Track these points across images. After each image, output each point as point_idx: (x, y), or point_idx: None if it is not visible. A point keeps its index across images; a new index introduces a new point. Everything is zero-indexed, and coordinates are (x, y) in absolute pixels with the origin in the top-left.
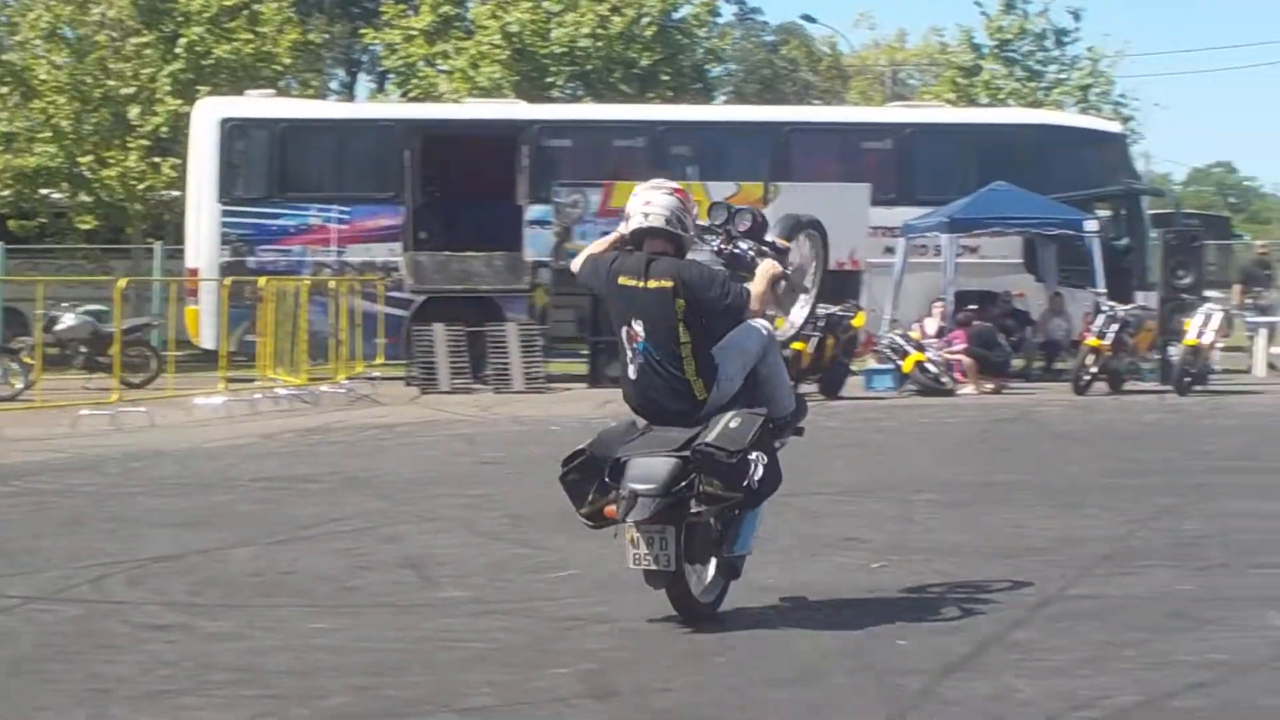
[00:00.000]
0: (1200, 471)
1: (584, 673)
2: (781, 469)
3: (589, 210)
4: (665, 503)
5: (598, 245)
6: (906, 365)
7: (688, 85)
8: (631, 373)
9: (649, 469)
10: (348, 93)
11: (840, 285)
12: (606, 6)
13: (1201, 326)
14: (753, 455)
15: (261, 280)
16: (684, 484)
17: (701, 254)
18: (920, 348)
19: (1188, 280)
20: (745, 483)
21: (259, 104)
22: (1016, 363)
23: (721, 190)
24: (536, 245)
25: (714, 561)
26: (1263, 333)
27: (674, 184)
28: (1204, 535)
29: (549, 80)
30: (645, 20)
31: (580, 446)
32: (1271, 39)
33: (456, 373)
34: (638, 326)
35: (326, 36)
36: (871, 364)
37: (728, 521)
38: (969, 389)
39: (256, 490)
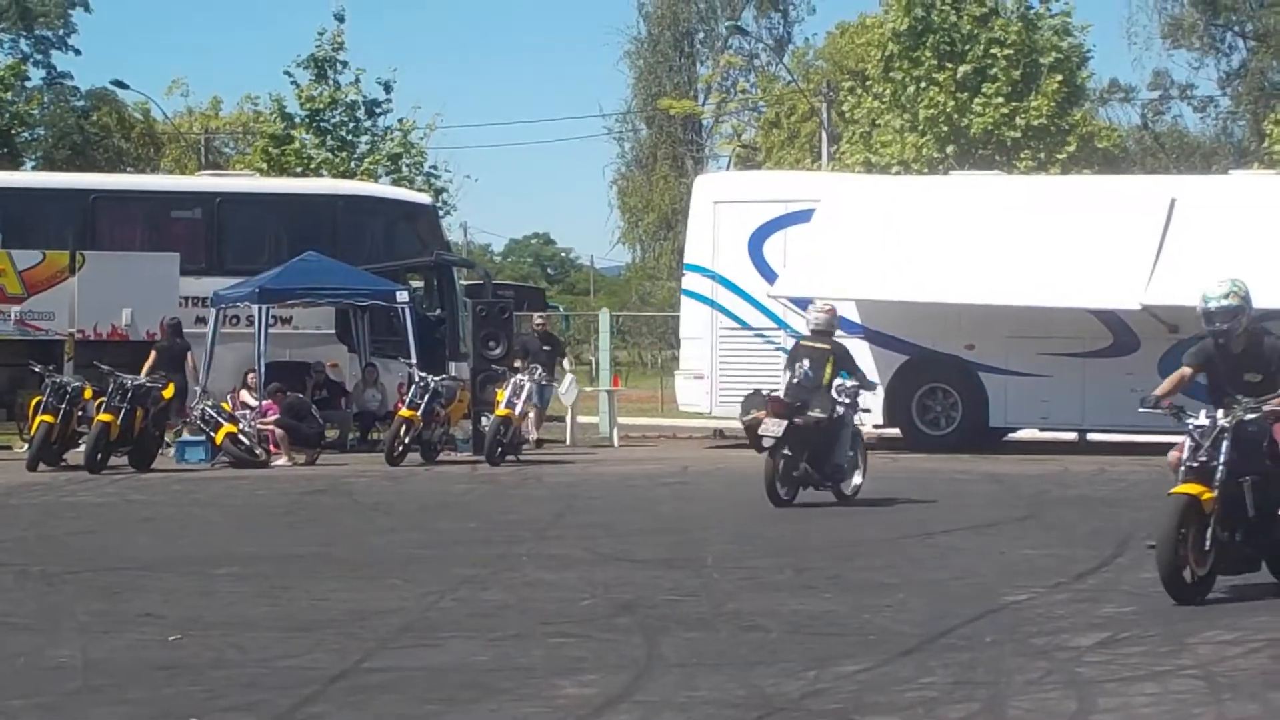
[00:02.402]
0: (504, 541)
1: None
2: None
3: None
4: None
5: None
6: (219, 437)
7: None
8: (794, 379)
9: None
10: None
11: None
12: None
13: (513, 397)
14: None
15: None
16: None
17: None
18: (233, 419)
19: (499, 351)
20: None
21: None
22: (330, 433)
23: (25, 259)
24: None
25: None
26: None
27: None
28: (502, 605)
29: None
30: None
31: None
32: (582, 114)
33: None
34: (806, 363)
35: None
36: (185, 435)
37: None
38: (283, 460)
39: None
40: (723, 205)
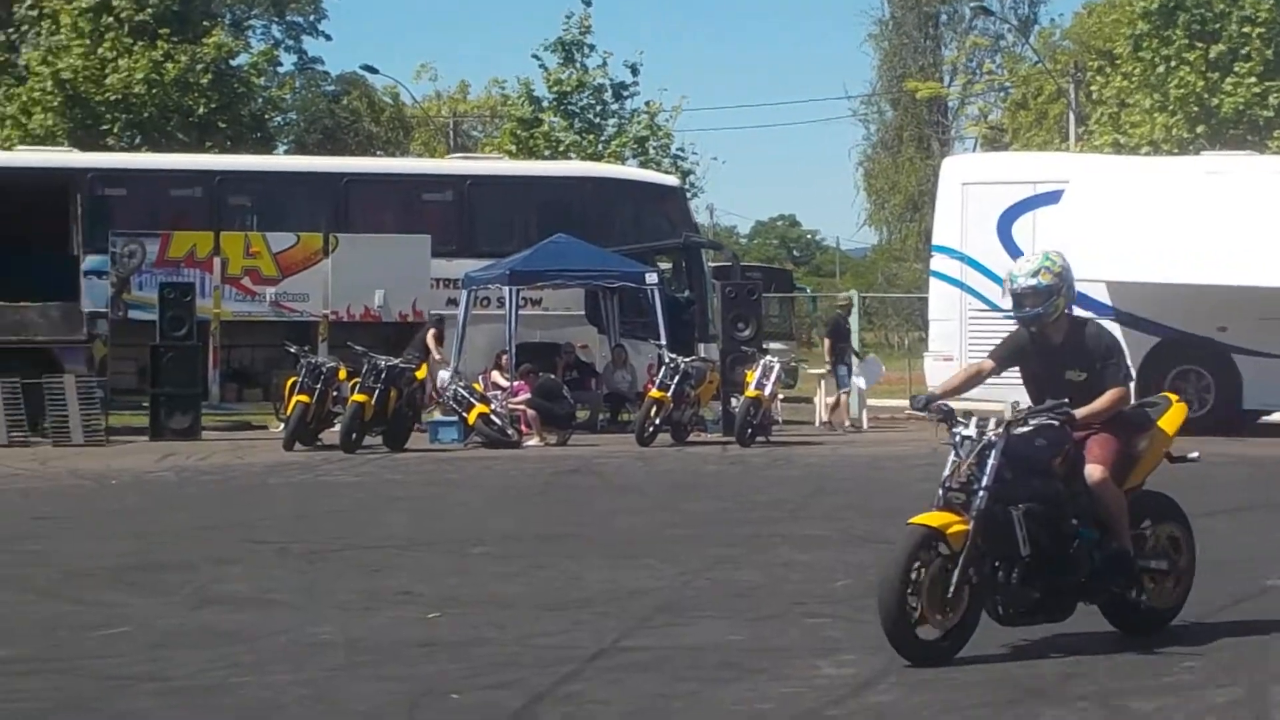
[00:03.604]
0: (755, 522)
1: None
2: None
3: (147, 260)
4: None
5: None
6: (471, 417)
7: (247, 134)
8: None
9: None
10: None
11: (405, 337)
12: (160, 52)
13: (762, 378)
14: None
15: None
16: None
17: None
18: (485, 399)
19: (748, 332)
20: None
21: None
22: (580, 414)
23: (279, 241)
24: (94, 296)
25: None
26: (822, 385)
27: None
28: (756, 586)
29: (104, 128)
30: (200, 67)
31: None
32: (827, 96)
33: (13, 425)
34: None
35: None
36: (438, 415)
37: None
38: (534, 441)
39: None
40: (971, 187)
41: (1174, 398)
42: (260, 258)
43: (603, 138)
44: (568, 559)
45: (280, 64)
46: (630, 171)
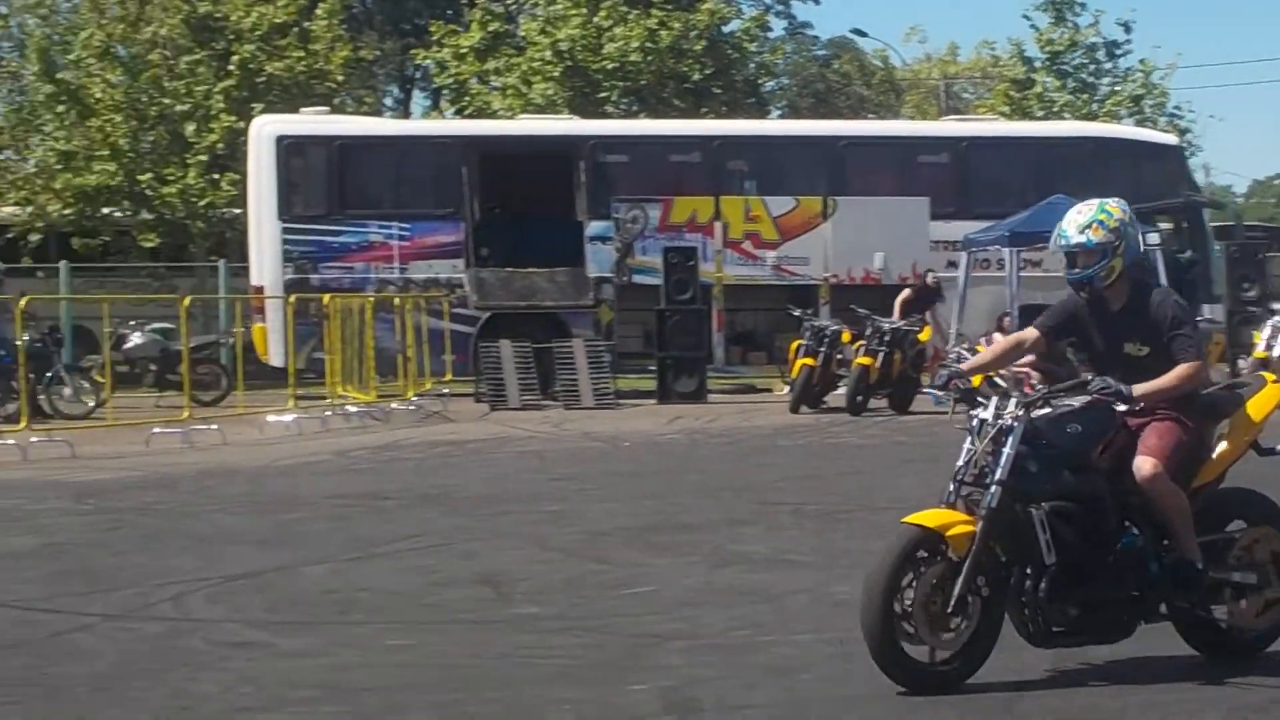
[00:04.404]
0: None
1: (664, 689)
2: None
3: (649, 226)
4: None
5: None
6: (975, 380)
7: (741, 100)
8: None
9: None
10: (402, 109)
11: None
12: (654, 20)
13: (1270, 339)
14: None
15: (325, 297)
16: None
17: None
18: None
19: (1253, 293)
20: None
21: (314, 121)
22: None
23: (779, 205)
24: (599, 261)
25: None
26: None
27: None
28: None
29: (601, 95)
30: (694, 34)
31: None
32: None
33: (525, 389)
34: None
35: (378, 54)
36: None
37: None
38: None
39: (330, 507)
40: None
41: (1270, 377)
42: (760, 221)
43: (1096, 97)
44: None
45: (770, 29)
46: (1129, 131)
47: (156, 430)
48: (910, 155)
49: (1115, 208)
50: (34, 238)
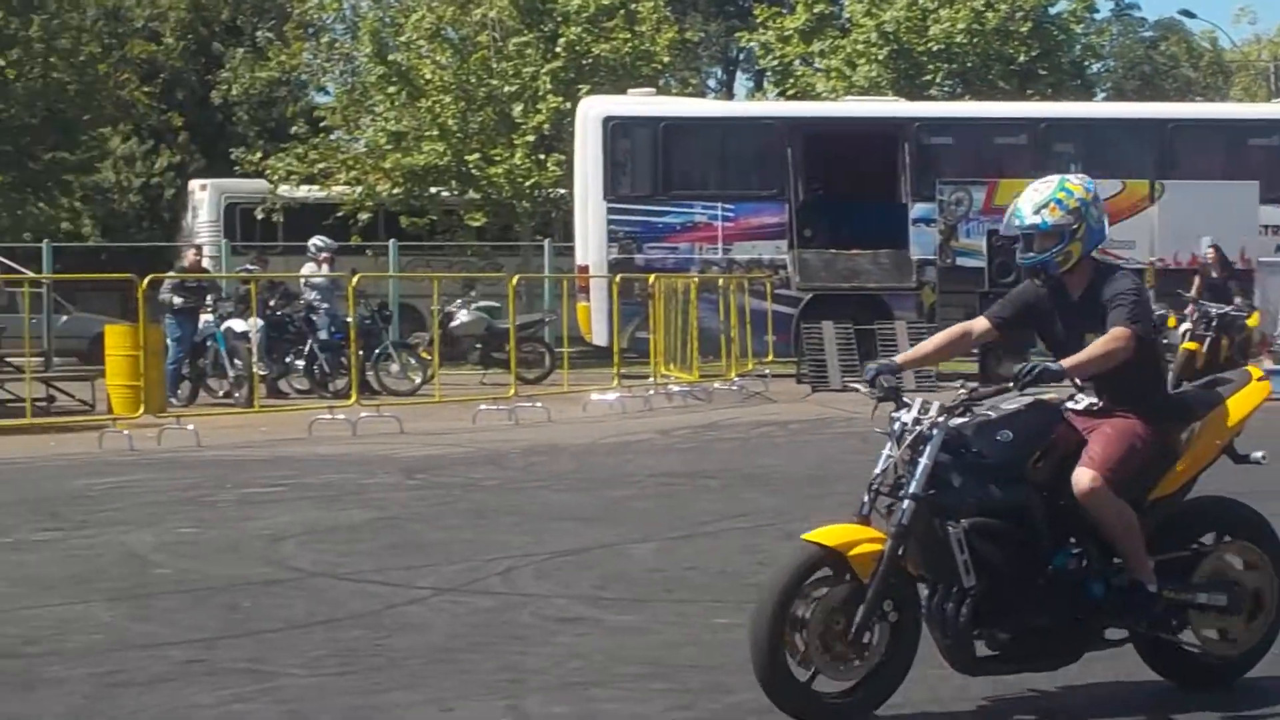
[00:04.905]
0: None
1: (998, 681)
2: None
3: (973, 209)
4: None
5: None
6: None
7: (1066, 82)
8: None
9: None
10: (725, 91)
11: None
12: (981, 2)
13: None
14: None
15: (650, 277)
16: None
17: None
18: None
19: None
20: None
21: (641, 102)
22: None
23: (1106, 188)
24: (922, 243)
25: None
26: None
27: None
28: None
29: (926, 78)
30: (1020, 15)
31: None
32: None
33: (847, 370)
34: None
35: (702, 35)
36: (1268, 364)
37: None
38: None
39: (654, 486)
40: None
41: (1256, 372)
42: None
43: None
44: None
45: (1096, 10)
46: None
47: (483, 407)
48: (1239, 138)
49: (1077, 186)
50: (364, 216)
